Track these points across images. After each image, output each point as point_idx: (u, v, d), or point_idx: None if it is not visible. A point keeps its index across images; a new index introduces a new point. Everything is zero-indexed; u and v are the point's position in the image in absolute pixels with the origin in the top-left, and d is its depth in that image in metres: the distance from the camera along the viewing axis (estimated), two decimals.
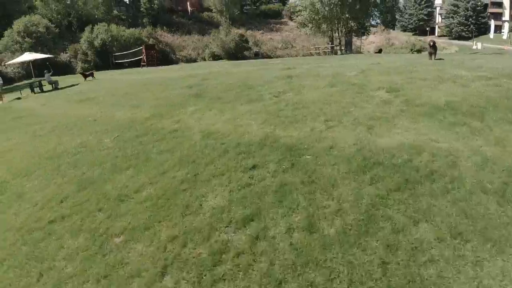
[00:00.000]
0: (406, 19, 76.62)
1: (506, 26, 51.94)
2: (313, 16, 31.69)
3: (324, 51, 36.09)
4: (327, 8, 30.44)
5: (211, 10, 62.45)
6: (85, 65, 39.23)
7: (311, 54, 38.15)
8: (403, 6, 79.36)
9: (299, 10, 33.69)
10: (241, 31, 57.95)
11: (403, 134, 5.61)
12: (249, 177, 4.89)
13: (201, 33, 58.03)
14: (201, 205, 4.47)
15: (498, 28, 54.76)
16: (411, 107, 6.87)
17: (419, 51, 53.38)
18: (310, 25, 33.31)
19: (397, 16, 77.74)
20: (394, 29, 71.61)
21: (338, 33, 34.03)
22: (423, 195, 3.98)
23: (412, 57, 18.68)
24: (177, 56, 50.92)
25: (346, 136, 5.80)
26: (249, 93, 10.19)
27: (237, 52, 44.27)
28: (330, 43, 35.61)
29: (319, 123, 6.63)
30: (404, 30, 76.94)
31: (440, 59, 15.06)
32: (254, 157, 5.47)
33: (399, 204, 3.87)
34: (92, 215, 4.99)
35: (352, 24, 33.10)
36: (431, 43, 14.97)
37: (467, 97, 7.18)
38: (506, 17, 67.48)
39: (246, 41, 48.01)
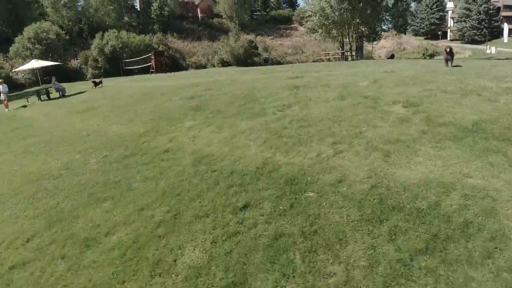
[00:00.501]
0: (417, 23, 75.21)
1: None
2: (323, 21, 30.79)
3: (335, 57, 35.16)
4: (337, 13, 29.51)
5: (221, 16, 62.17)
6: (96, 71, 39.17)
7: (322, 60, 37.26)
8: (415, 10, 77.98)
9: (309, 16, 32.82)
10: (251, 36, 57.59)
11: (427, 165, 4.69)
12: (238, 222, 4.03)
13: (211, 39, 57.85)
14: (175, 261, 3.61)
15: (510, 32, 53.06)
16: (434, 128, 5.94)
17: (431, 55, 52.11)
18: (320, 30, 32.40)
19: (409, 20, 76.39)
20: (405, 34, 70.38)
21: (349, 38, 33.07)
22: (457, 261, 3.04)
23: (427, 63, 17.64)
24: (187, 62, 50.64)
25: (358, 165, 4.91)
26: (252, 106, 9.36)
27: (246, 58, 43.67)
28: (340, 48, 34.66)
29: (326, 147, 5.74)
30: (416, 35, 75.56)
31: (457, 65, 14.05)
32: (247, 191, 4.61)
33: (426, 276, 2.93)
34: (54, 263, 4.18)
35: (363, 29, 32.09)
36: (448, 49, 13.96)
37: (497, 115, 6.21)
38: None
39: (256, 47, 47.39)
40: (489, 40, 57.70)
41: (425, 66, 14.66)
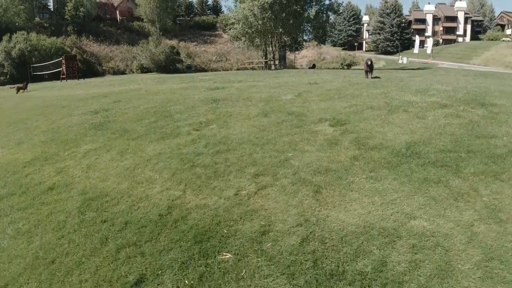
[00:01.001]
0: (336, 34, 79.53)
1: (429, 41, 55.41)
2: (246, 29, 30.38)
3: (258, 66, 35.01)
4: (260, 22, 29.29)
5: (142, 20, 59.16)
6: (1, 78, 34.44)
7: (246, 68, 36.89)
8: (333, 22, 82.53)
9: (232, 23, 32.21)
10: (173, 42, 55.58)
11: (364, 203, 3.94)
12: None
13: (131, 43, 54.85)
14: None
15: (421, 43, 58.36)
16: (365, 151, 5.30)
17: (349, 65, 55.02)
18: (243, 38, 31.98)
19: (328, 32, 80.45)
20: (325, 44, 73.79)
21: (272, 47, 33.11)
22: None
23: (348, 74, 17.86)
24: (104, 68, 47.16)
25: (285, 207, 4.00)
26: (165, 125, 8.11)
27: (168, 64, 41.82)
28: (264, 57, 34.62)
29: (246, 180, 4.77)
30: (334, 45, 79.87)
31: (376, 77, 14.25)
32: (144, 254, 3.42)
33: None
34: None
35: (286, 38, 32.34)
36: (369, 62, 14.13)
37: (429, 135, 5.81)
38: (428, 33, 72.79)
39: (178, 53, 45.73)
40: (401, 51, 62.73)
41: (347, 78, 14.64)
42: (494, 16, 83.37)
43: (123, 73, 47.01)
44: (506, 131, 6.05)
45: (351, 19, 79.72)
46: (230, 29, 33.50)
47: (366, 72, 14.20)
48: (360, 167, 4.82)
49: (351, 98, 8.96)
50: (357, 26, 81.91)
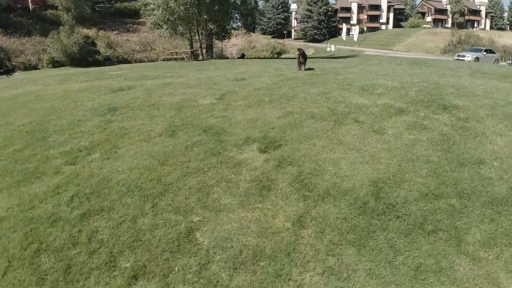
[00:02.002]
0: (265, 22, 78.30)
1: (355, 29, 56.27)
2: (167, 16, 27.24)
3: (184, 56, 32.17)
4: (182, 8, 26.36)
5: (57, 8, 52.48)
6: None
7: (172, 59, 33.79)
8: (262, 10, 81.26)
9: (152, 9, 28.80)
10: (92, 31, 50.16)
11: None
12: None
13: (44, 34, 48.41)
14: None
15: (347, 31, 59.24)
16: (315, 205, 3.36)
17: (279, 53, 53.99)
18: (165, 26, 28.80)
19: (257, 20, 79.06)
20: (254, 32, 72.38)
21: (198, 36, 30.39)
22: None
23: (279, 65, 16.01)
24: (13, 63, 40.78)
25: None
26: (30, 155, 5.48)
27: (82, 57, 37.12)
28: (190, 46, 31.85)
29: None
30: (264, 33, 78.68)
31: (310, 68, 12.64)
32: None
33: None
34: None
35: (212, 26, 29.80)
36: (300, 51, 12.47)
37: (399, 165, 4.03)
38: (354, 21, 74.51)
39: (93, 44, 40.90)
40: (328, 38, 63.26)
41: (279, 71, 12.74)
42: (415, 5, 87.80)
43: (35, 68, 41.31)
44: (490, 150, 4.52)
45: (280, 7, 78.83)
46: (149, 15, 30.08)
47: (299, 63, 12.51)
48: (310, 245, 2.85)
49: (286, 101, 7.04)
50: (286, 14, 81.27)
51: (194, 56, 31.55)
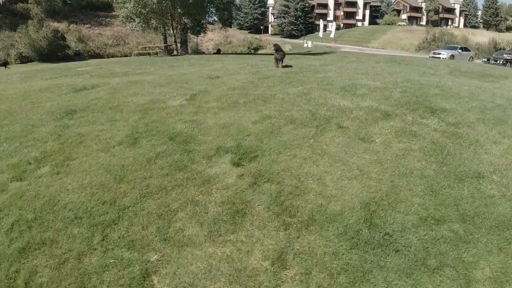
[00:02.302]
0: (242, 17, 77.40)
1: (332, 25, 56.25)
2: (139, 9, 26.10)
3: (157, 51, 31.07)
4: (155, 1, 25.29)
5: (27, 1, 50.20)
6: None
7: (146, 54, 32.54)
8: (239, 4, 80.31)
9: (123, 2, 27.50)
10: (63, 25, 48.17)
11: None
12: None
13: (14, 29, 46.25)
14: None
15: (324, 28, 59.17)
16: (297, 235, 2.82)
17: (256, 49, 53.27)
18: (137, 19, 27.63)
19: (233, 14, 78.14)
20: (231, 27, 71.38)
21: (173, 30, 29.35)
22: None
23: (256, 62, 15.39)
24: None
25: None
26: None
27: (51, 52, 35.41)
28: (164, 41, 30.77)
29: None
30: (241, 28, 77.78)
31: (287, 65, 12.14)
32: None
33: None
34: None
35: (186, 20, 28.81)
36: (277, 47, 11.92)
37: (391, 182, 3.55)
38: (330, 17, 74.69)
39: (63, 38, 39.10)
40: (305, 34, 63.06)
41: (255, 68, 12.16)
42: (391, 2, 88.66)
43: (4, 64, 39.29)
44: (488, 161, 4.11)
45: (257, 1, 77.99)
46: (121, 8, 28.78)
47: (277, 60, 11.97)
48: None
49: (262, 103, 6.48)
50: (263, 9, 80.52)
51: (168, 51, 30.52)
